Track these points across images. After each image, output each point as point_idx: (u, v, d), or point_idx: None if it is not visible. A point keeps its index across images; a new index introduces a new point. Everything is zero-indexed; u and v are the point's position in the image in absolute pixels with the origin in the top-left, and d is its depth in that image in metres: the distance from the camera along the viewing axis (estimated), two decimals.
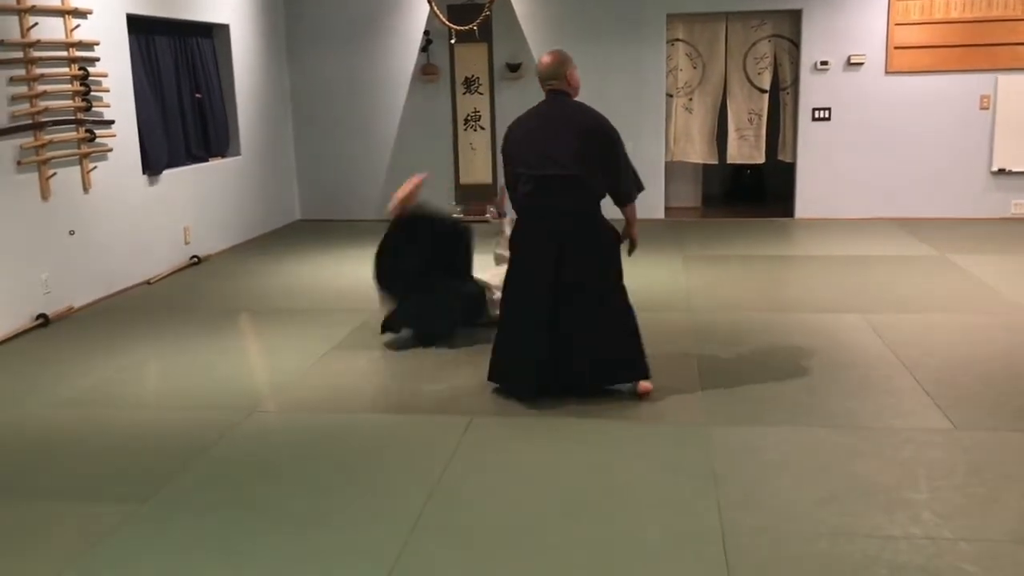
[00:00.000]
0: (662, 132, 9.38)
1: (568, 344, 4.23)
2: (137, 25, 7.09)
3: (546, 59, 4.38)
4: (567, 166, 4.17)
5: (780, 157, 9.61)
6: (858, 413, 4.14)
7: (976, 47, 8.80)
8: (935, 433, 3.88)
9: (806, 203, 9.37)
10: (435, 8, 9.10)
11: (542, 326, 4.21)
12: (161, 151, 7.28)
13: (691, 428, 3.99)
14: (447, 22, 9.09)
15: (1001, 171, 9.00)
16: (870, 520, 3.14)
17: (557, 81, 4.36)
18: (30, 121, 5.78)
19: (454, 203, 9.65)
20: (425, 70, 9.48)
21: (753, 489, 3.40)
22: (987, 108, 8.92)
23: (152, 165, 7.17)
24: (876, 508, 3.22)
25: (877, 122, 9.11)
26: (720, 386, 4.49)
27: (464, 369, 4.82)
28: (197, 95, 8.02)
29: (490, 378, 4.42)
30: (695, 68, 9.42)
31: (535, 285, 4.23)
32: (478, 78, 9.41)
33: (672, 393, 4.40)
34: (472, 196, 9.59)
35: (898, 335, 5.25)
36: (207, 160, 8.17)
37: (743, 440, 3.85)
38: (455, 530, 3.17)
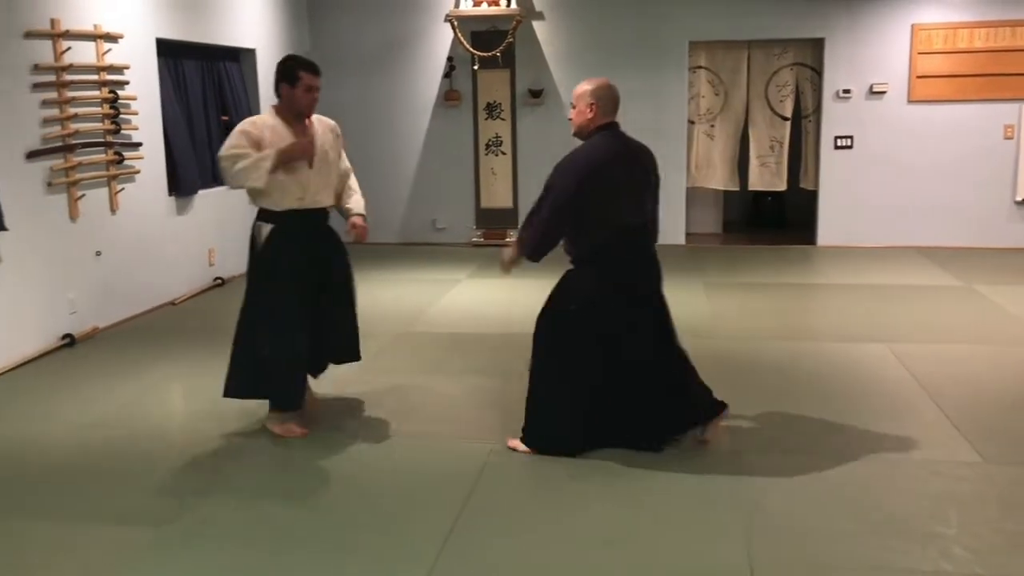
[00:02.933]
0: (683, 158, 9.40)
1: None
2: (166, 49, 7.18)
3: (609, 83, 3.93)
4: (648, 213, 3.97)
5: (802, 185, 9.60)
6: (885, 445, 4.10)
7: (1000, 76, 8.78)
8: (964, 466, 3.84)
9: (828, 231, 9.35)
10: (459, 34, 9.18)
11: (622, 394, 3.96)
12: (189, 174, 7.35)
13: (717, 458, 3.96)
14: (471, 48, 9.17)
15: None
16: (901, 555, 3.11)
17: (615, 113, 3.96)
18: (60, 143, 5.86)
19: (474, 227, 9.69)
20: (448, 95, 9.55)
21: (782, 521, 3.37)
22: (1011, 138, 8.89)
23: (179, 187, 7.24)
24: (907, 542, 3.19)
25: (900, 151, 9.09)
26: (747, 416, 4.47)
27: (483, 399, 4.81)
28: (224, 118, 8.10)
29: (531, 443, 4.03)
30: (717, 95, 9.45)
31: (636, 359, 3.92)
32: (500, 104, 9.47)
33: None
34: (492, 220, 9.63)
35: (924, 366, 5.22)
36: None
37: (770, 470, 3.82)
38: (482, 563, 3.15)
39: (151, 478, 3.88)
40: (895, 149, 9.10)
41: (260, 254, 4.25)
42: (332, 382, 4.90)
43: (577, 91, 3.91)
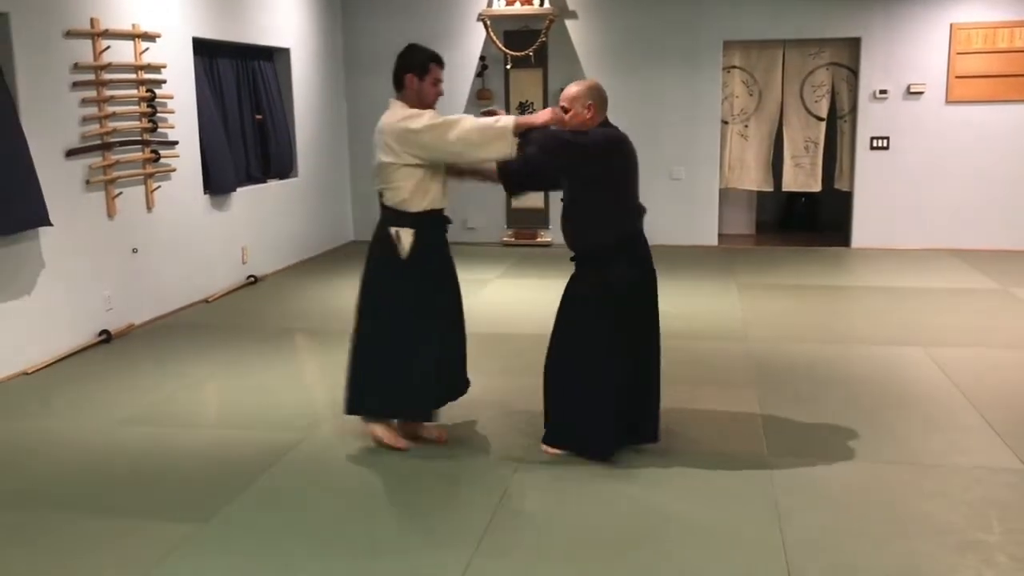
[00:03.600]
0: (717, 159, 9.33)
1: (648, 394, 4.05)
2: (202, 48, 7.24)
3: (598, 83, 3.98)
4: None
5: (837, 186, 9.50)
6: (923, 450, 4.05)
7: None
8: (1005, 473, 3.78)
9: (863, 232, 9.25)
10: (491, 33, 9.18)
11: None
12: (224, 172, 7.41)
13: (752, 461, 3.93)
14: (503, 47, 9.16)
15: None
16: (941, 561, 3.06)
17: None
18: (99, 141, 5.92)
19: (505, 227, 9.69)
20: (480, 95, 9.55)
21: (818, 526, 3.34)
22: None
23: (213, 186, 7.30)
24: (947, 549, 3.14)
25: (937, 152, 8.97)
26: (780, 419, 4.43)
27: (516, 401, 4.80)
28: (257, 116, 8.16)
29: (554, 441, 4.04)
30: (751, 95, 9.38)
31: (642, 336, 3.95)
32: (532, 103, 9.45)
33: (732, 425, 4.34)
34: (523, 220, 9.62)
35: (961, 370, 5.14)
36: (266, 181, 8.30)
37: (806, 475, 3.78)
38: (514, 557, 3.15)
39: (187, 474, 3.91)
40: (932, 150, 8.98)
41: (407, 262, 3.90)
42: None
43: (569, 94, 3.86)
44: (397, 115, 3.91)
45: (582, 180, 3.87)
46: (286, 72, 8.58)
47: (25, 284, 5.37)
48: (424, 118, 3.83)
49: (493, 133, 3.77)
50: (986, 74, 8.76)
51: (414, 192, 3.88)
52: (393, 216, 3.92)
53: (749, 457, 3.97)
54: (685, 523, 3.39)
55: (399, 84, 3.99)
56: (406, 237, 3.89)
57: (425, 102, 3.95)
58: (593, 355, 3.87)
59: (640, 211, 3.99)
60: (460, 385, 4.22)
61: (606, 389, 3.86)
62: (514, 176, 4.05)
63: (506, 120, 3.78)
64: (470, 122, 3.81)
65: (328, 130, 9.48)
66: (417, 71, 3.94)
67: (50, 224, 5.33)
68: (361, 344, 4.01)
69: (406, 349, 3.93)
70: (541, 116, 3.85)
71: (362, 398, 4.03)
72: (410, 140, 3.83)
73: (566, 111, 3.86)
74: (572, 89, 3.88)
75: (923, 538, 3.23)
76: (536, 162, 3.86)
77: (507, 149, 3.77)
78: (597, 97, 3.89)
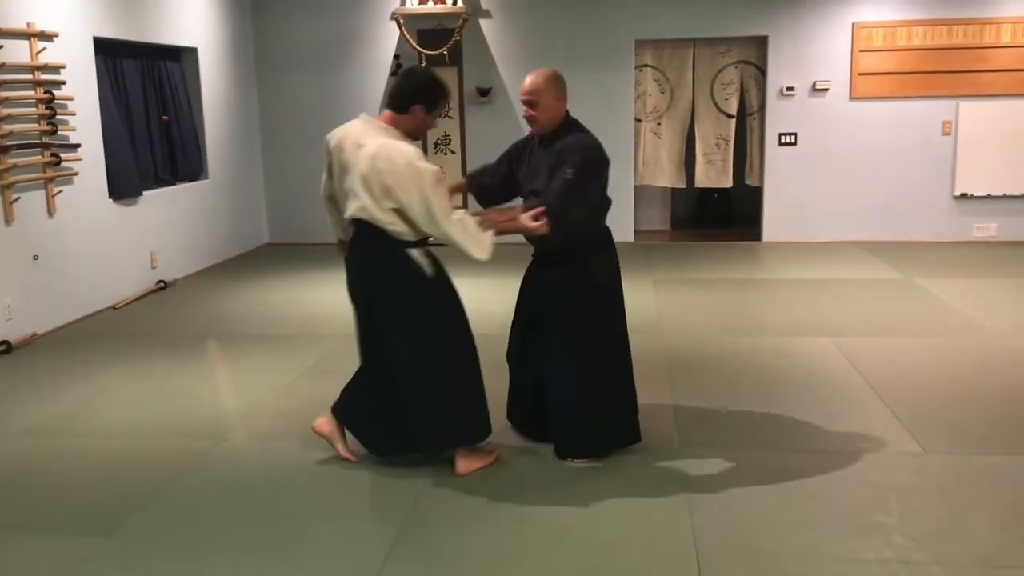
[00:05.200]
0: (631, 156, 9.45)
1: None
2: (104, 48, 7.03)
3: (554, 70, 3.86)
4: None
5: (747, 181, 9.71)
6: (829, 437, 4.16)
7: (938, 74, 8.97)
8: (905, 457, 3.91)
9: (773, 226, 9.47)
10: (405, 33, 9.12)
11: None
12: (129, 175, 7.20)
13: (665, 452, 3.98)
14: (417, 47, 9.12)
15: (963, 195, 9.15)
16: (844, 544, 3.15)
17: None
18: None
19: None
20: None
21: (727, 513, 3.40)
22: (949, 134, 9.08)
23: (118, 190, 7.10)
24: (849, 532, 3.23)
25: (842, 147, 9.24)
26: (692, 410, 4.51)
27: None
28: (164, 118, 7.96)
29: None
30: (663, 93, 9.51)
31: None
32: (449, 108, 9.41)
33: (644, 418, 4.39)
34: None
35: (867, 358, 5.30)
36: (174, 184, 8.10)
37: (716, 464, 3.85)
38: (430, 558, 3.13)
39: (91, 486, 3.79)
40: (838, 145, 9.25)
41: (435, 282, 3.72)
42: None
43: (534, 87, 3.72)
44: (399, 150, 3.57)
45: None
46: (194, 72, 8.39)
47: None
48: (440, 195, 3.57)
49: (477, 240, 3.60)
50: (887, 71, 9.04)
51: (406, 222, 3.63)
52: (399, 243, 3.65)
53: (661, 448, 4.02)
54: (597, 516, 3.41)
55: (402, 108, 3.66)
56: (422, 261, 3.68)
57: (418, 133, 3.76)
58: (605, 352, 3.93)
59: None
60: None
61: (626, 385, 4.01)
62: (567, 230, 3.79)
63: (489, 235, 3.62)
64: (462, 216, 3.61)
65: (239, 131, 9.30)
66: (430, 104, 3.67)
67: None
68: (423, 377, 3.73)
69: (464, 370, 3.80)
70: (522, 223, 3.63)
71: (435, 431, 3.79)
72: (411, 187, 3.52)
73: (533, 105, 3.74)
74: (535, 81, 3.73)
75: (828, 522, 3.31)
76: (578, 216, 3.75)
77: (483, 255, 3.59)
78: (563, 86, 3.79)
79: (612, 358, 3.93)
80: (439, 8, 9.07)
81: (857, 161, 9.25)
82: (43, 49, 6.18)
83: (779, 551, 3.12)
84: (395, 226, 3.59)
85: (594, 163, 3.77)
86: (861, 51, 9.04)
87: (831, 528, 3.27)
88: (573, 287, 3.85)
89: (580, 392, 3.86)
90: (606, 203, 3.97)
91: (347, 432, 3.98)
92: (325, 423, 4.00)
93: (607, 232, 4.01)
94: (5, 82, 5.80)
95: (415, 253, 3.66)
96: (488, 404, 3.85)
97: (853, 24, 9.00)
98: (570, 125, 3.87)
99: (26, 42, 6.05)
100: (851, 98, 9.14)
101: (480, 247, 3.61)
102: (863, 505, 3.45)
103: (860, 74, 9.08)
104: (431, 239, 3.70)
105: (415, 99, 3.64)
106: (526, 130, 4.07)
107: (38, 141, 6.13)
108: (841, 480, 3.68)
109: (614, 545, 3.19)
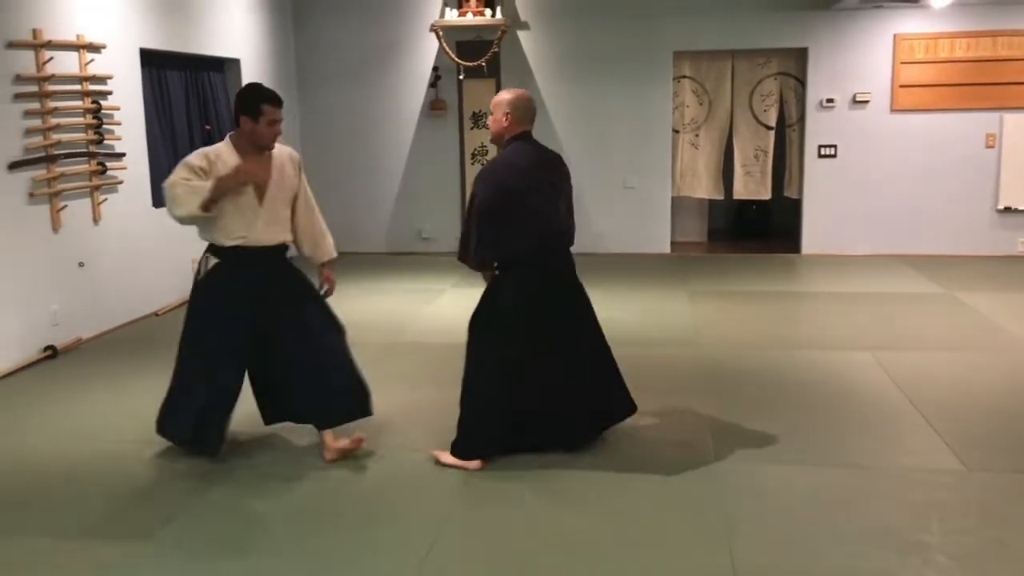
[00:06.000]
0: (668, 168, 9.43)
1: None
2: (150, 59, 7.16)
3: (527, 95, 4.06)
4: (565, 221, 4.13)
5: (786, 193, 9.64)
6: (868, 453, 4.12)
7: (982, 86, 8.85)
8: (946, 474, 3.86)
9: (812, 239, 9.39)
10: (444, 44, 9.19)
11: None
12: None
13: (701, 467, 3.97)
14: (456, 58, 9.18)
15: (1007, 209, 9.02)
16: (883, 562, 3.12)
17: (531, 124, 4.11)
18: (43, 154, 5.83)
19: (459, 236, 9.68)
20: (434, 105, 9.56)
21: (764, 530, 3.38)
22: (993, 146, 8.96)
23: (162, 198, 7.20)
24: (888, 550, 3.20)
25: (883, 159, 9.15)
26: (728, 424, 4.48)
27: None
28: (207, 127, 8.08)
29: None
30: (701, 105, 9.49)
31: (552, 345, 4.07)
32: (486, 113, 9.47)
33: (680, 431, 4.38)
34: None
35: (907, 373, 5.24)
36: None
37: (753, 479, 3.83)
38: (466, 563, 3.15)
39: (129, 492, 3.85)
40: (878, 158, 9.16)
41: (199, 286, 4.10)
42: None
43: (495, 100, 4.03)
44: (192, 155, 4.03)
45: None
46: (236, 83, 8.50)
47: None
48: (174, 171, 3.97)
49: (191, 188, 3.86)
50: (929, 83, 8.95)
51: (214, 226, 3.99)
52: (209, 245, 4.11)
53: (698, 463, 4.01)
54: (634, 529, 3.41)
55: (236, 123, 4.02)
56: (208, 263, 4.07)
57: (257, 142, 4.00)
58: (490, 362, 4.05)
59: (553, 232, 4.05)
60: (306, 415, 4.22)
61: (500, 398, 4.07)
62: (480, 262, 4.04)
63: (203, 182, 3.87)
64: (176, 181, 3.92)
65: (280, 141, 9.38)
66: (250, 112, 3.94)
67: None
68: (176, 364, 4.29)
69: (196, 371, 4.15)
70: (231, 175, 3.88)
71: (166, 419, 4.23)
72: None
73: (491, 114, 4.05)
74: (499, 96, 4.05)
75: (866, 540, 3.28)
76: (485, 241, 3.92)
77: (195, 203, 3.83)
78: (516, 108, 4.00)
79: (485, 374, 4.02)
80: (478, 20, 9.13)
81: (898, 174, 9.15)
82: (91, 60, 6.31)
83: (817, 568, 3.09)
84: (200, 230, 4.09)
85: (481, 194, 3.93)
86: (903, 63, 8.95)
87: (870, 546, 3.23)
88: (482, 300, 4.09)
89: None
90: (531, 228, 3.95)
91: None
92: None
93: (523, 260, 3.98)
94: (55, 92, 5.93)
95: (206, 256, 4.09)
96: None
97: (895, 36, 8.92)
98: (508, 147, 4.04)
99: (75, 54, 6.18)
100: (892, 110, 9.05)
101: (196, 192, 3.85)
102: (903, 523, 3.41)
103: (901, 86, 8.99)
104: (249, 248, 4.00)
105: (237, 112, 3.99)
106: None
107: (85, 150, 6.25)
108: (880, 497, 3.64)
109: (648, 559, 3.18)
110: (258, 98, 3.95)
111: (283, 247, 4.17)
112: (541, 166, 4.04)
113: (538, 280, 4.00)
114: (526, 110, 4.03)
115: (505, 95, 4.03)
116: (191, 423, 4.07)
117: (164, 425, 4.22)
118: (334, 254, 4.37)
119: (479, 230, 3.91)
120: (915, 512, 3.49)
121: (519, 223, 3.92)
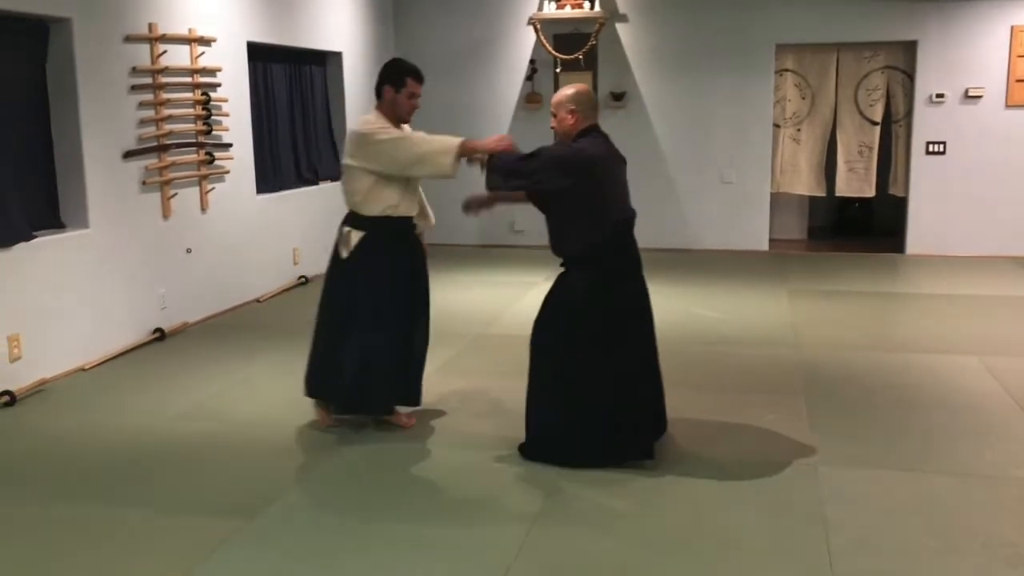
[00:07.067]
0: (768, 163, 9.24)
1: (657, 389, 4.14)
2: (255, 52, 7.36)
3: (586, 88, 3.99)
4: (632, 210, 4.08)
5: (891, 191, 9.34)
6: (976, 461, 3.97)
7: None
8: None
9: (918, 238, 9.08)
10: (541, 37, 9.19)
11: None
12: (274, 175, 7.52)
13: (801, 470, 3.88)
14: (553, 51, 9.17)
15: None
16: (989, 575, 3.00)
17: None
18: (155, 143, 6.06)
19: None
20: (529, 98, 9.57)
21: (866, 537, 3.29)
22: None
23: (265, 188, 7.41)
24: (995, 562, 3.08)
25: (995, 157, 8.78)
26: (830, 427, 4.37)
27: None
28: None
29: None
30: (804, 99, 9.26)
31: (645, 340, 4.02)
32: None
33: (780, 433, 4.30)
34: None
35: (1017, 380, 5.03)
36: (317, 183, 8.40)
37: (854, 484, 3.73)
38: (558, 566, 3.15)
39: (234, 471, 3.98)
40: (990, 155, 8.79)
41: (348, 261, 4.23)
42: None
43: (556, 99, 3.95)
44: (364, 122, 4.19)
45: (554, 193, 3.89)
46: (337, 76, 8.68)
47: (82, 282, 5.50)
48: (386, 131, 4.09)
49: (439, 146, 3.97)
50: None
51: (367, 196, 4.14)
52: (350, 217, 4.25)
53: (797, 465, 3.92)
54: (732, 532, 3.36)
55: (378, 93, 4.22)
56: (354, 238, 4.20)
57: (399, 114, 4.20)
58: (567, 362, 3.98)
59: (626, 224, 4.00)
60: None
61: (579, 400, 3.98)
62: (504, 178, 3.96)
63: (452, 139, 3.97)
64: (419, 137, 4.06)
65: None
66: (394, 82, 4.16)
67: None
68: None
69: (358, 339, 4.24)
70: (489, 142, 3.99)
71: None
72: (365, 148, 4.08)
73: (553, 116, 3.95)
74: (560, 94, 3.95)
75: (972, 551, 3.16)
76: (529, 175, 3.88)
77: (447, 164, 3.95)
78: (580, 103, 3.91)
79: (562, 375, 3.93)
80: (576, 13, 9.10)
81: (1010, 172, 8.77)
82: (202, 53, 6.52)
83: None
84: (350, 196, 4.23)
85: (559, 155, 3.88)
86: (1020, 56, 8.56)
87: (976, 557, 3.12)
88: (551, 294, 4.07)
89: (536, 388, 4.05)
90: (607, 218, 3.89)
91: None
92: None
93: (600, 253, 3.91)
94: (168, 84, 6.15)
95: (347, 231, 4.23)
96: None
97: (1012, 27, 8.54)
98: (582, 136, 3.93)
99: (187, 47, 6.39)
100: (1007, 106, 8.68)
101: (445, 153, 3.95)
102: (1011, 534, 3.27)
103: (1018, 80, 8.60)
104: (403, 220, 4.24)
105: (382, 82, 4.18)
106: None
107: (194, 140, 6.47)
108: (988, 506, 3.51)
109: (747, 564, 3.13)
110: (403, 71, 4.19)
111: (414, 222, 4.41)
112: (614, 156, 3.95)
113: (613, 275, 3.91)
114: (589, 103, 3.94)
115: (565, 92, 3.93)
116: (392, 391, 4.31)
117: (361, 402, 4.33)
118: (433, 222, 4.63)
119: (542, 165, 3.83)
120: None
121: (595, 212, 3.85)
